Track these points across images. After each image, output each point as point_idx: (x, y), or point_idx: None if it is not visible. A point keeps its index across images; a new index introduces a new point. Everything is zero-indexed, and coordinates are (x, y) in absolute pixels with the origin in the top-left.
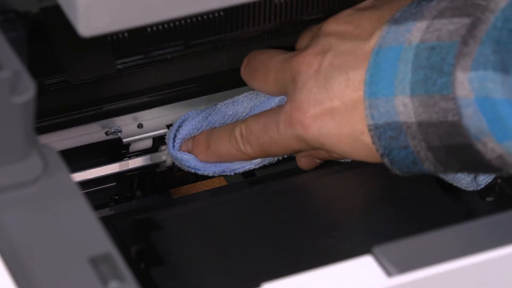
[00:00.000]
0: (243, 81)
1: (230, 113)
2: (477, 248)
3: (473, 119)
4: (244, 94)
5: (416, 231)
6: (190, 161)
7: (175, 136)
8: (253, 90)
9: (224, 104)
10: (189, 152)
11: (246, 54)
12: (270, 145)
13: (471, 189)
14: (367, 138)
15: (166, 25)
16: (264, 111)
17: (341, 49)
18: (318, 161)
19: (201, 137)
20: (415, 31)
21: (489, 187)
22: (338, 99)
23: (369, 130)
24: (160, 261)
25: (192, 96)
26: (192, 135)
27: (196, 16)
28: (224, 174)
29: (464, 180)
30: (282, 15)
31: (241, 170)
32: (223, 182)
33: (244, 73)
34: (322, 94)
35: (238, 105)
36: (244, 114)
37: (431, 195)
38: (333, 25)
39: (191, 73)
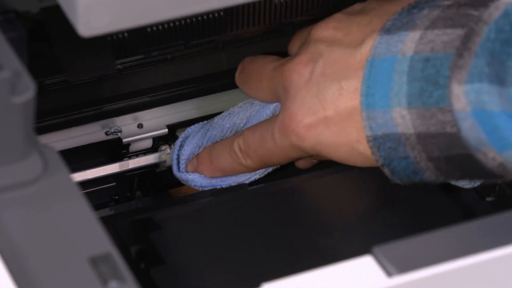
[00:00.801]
0: None
1: (228, 125)
2: (477, 248)
3: (471, 131)
4: (239, 105)
5: (416, 231)
6: (196, 180)
7: (178, 157)
8: (248, 99)
9: (221, 118)
10: (194, 171)
11: (246, 54)
12: (269, 156)
13: (468, 186)
14: (362, 147)
15: (166, 25)
16: (260, 123)
17: (332, 58)
18: (315, 161)
19: (204, 154)
20: (408, 42)
21: (489, 187)
22: (332, 108)
23: (368, 141)
24: (160, 261)
25: (192, 96)
26: (195, 153)
27: (196, 16)
28: (227, 185)
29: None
30: (282, 15)
31: (247, 182)
32: None
33: (238, 80)
34: (315, 104)
35: (235, 116)
36: (241, 125)
37: (431, 195)
38: (322, 31)
39: (191, 73)
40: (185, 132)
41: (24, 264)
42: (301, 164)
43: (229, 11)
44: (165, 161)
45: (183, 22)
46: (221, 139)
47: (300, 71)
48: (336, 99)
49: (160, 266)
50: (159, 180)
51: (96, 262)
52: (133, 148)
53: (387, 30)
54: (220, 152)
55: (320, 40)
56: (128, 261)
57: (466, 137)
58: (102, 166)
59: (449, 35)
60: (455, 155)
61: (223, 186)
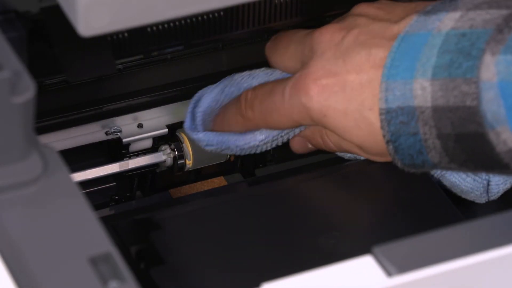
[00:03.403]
0: None
1: (245, 85)
2: (477, 248)
3: (491, 104)
4: (261, 69)
5: (416, 231)
6: (202, 139)
7: (194, 111)
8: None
9: (241, 76)
10: (212, 127)
11: (246, 54)
12: (271, 110)
13: (481, 201)
14: (373, 116)
15: (166, 25)
16: (276, 79)
17: (369, 28)
18: (310, 146)
19: (219, 112)
20: (447, 20)
21: None
22: (355, 72)
23: (380, 114)
24: (160, 261)
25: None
26: (212, 108)
27: (196, 16)
28: (228, 149)
29: (472, 194)
30: (282, 15)
31: (245, 147)
32: (223, 182)
33: (268, 46)
34: (339, 65)
35: (254, 79)
36: None
37: (431, 195)
38: (364, 8)
39: (191, 73)
40: (201, 90)
41: (24, 264)
42: (295, 146)
43: (229, 11)
44: (165, 161)
45: (183, 22)
46: None
47: (333, 33)
48: (362, 64)
49: (160, 266)
50: (159, 180)
51: (96, 262)
52: (133, 148)
53: (427, 12)
54: (230, 105)
55: (361, 14)
56: (128, 261)
57: (484, 112)
58: (102, 166)
59: (492, 14)
60: (467, 133)
61: (224, 149)
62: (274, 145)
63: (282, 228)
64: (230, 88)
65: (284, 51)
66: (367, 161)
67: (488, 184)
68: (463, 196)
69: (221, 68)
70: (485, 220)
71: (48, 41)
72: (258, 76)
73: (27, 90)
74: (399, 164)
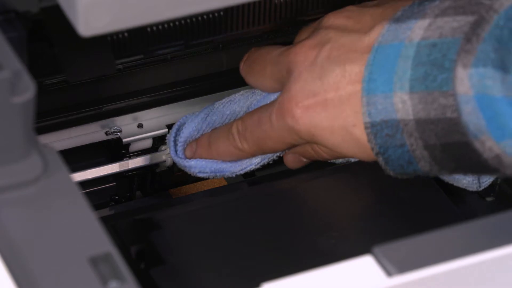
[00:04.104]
0: (243, 81)
1: (228, 112)
2: (477, 248)
3: (472, 116)
4: (240, 93)
5: (416, 231)
6: (193, 167)
7: (175, 140)
8: (250, 88)
9: (222, 104)
10: (193, 155)
11: None
12: (264, 139)
13: (473, 189)
14: (358, 132)
15: (166, 25)
16: (260, 107)
17: (340, 42)
18: (305, 160)
19: (203, 138)
20: (417, 29)
21: (489, 187)
22: (333, 90)
23: (366, 128)
24: (160, 261)
25: (192, 96)
26: (193, 137)
27: (196, 16)
28: (223, 175)
29: (464, 180)
30: (282, 15)
31: (241, 172)
32: (223, 182)
33: (243, 68)
34: (317, 85)
35: (235, 103)
36: (241, 113)
37: (431, 195)
38: (333, 19)
39: (191, 73)
40: (183, 117)
41: (24, 264)
42: (289, 162)
43: (229, 11)
44: (165, 161)
45: (183, 22)
46: (220, 125)
47: (306, 53)
48: (338, 81)
49: (160, 266)
50: (159, 180)
51: (96, 262)
52: (133, 148)
53: (397, 19)
54: (219, 135)
55: (331, 27)
56: (128, 261)
57: (466, 123)
58: (102, 166)
59: (459, 22)
60: (452, 142)
61: (219, 175)
62: (268, 163)
63: (282, 228)
64: (213, 117)
65: (261, 72)
66: (366, 162)
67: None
68: (455, 184)
69: (221, 68)
70: (485, 220)
71: (48, 41)
72: (239, 101)
73: (27, 90)
74: (391, 173)
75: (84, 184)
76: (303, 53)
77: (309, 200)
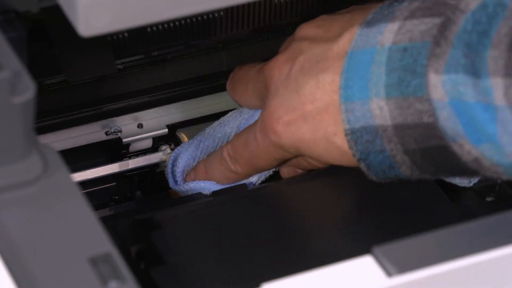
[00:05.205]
0: None
1: (219, 135)
2: (477, 248)
3: (448, 122)
4: (229, 114)
5: (416, 231)
6: (194, 190)
7: (173, 171)
8: (238, 108)
9: (212, 128)
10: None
11: (246, 54)
12: (254, 159)
13: (464, 184)
14: (340, 140)
15: (166, 25)
16: (246, 127)
17: (312, 53)
18: (300, 171)
19: (199, 166)
20: (387, 33)
21: (489, 187)
22: (310, 102)
23: (346, 135)
24: (160, 261)
25: (192, 96)
26: (190, 165)
27: (196, 16)
28: None
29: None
30: (282, 15)
31: None
32: None
33: (229, 87)
34: (294, 99)
35: (225, 126)
36: (232, 134)
37: (431, 195)
38: (304, 30)
39: (191, 73)
40: (176, 150)
41: (24, 264)
42: (285, 173)
43: (229, 11)
44: (165, 161)
45: (183, 22)
46: (214, 149)
47: (280, 67)
48: (313, 92)
49: (160, 266)
50: (159, 180)
51: (96, 262)
52: (133, 148)
53: (367, 23)
54: (213, 161)
55: (303, 38)
56: (128, 261)
57: (443, 127)
58: (102, 166)
59: (427, 24)
60: (431, 147)
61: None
62: (265, 179)
63: (282, 228)
64: (205, 143)
65: (244, 90)
66: None
67: None
68: (447, 179)
69: (221, 68)
70: (485, 220)
71: (48, 41)
72: (228, 123)
73: (27, 90)
74: (374, 178)
75: (84, 184)
76: (277, 68)
77: (310, 200)
